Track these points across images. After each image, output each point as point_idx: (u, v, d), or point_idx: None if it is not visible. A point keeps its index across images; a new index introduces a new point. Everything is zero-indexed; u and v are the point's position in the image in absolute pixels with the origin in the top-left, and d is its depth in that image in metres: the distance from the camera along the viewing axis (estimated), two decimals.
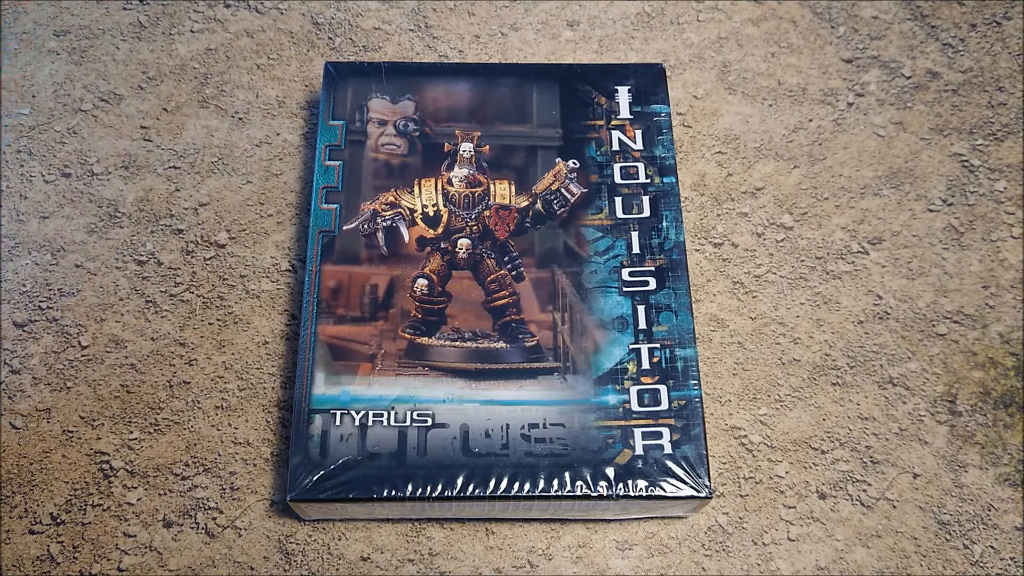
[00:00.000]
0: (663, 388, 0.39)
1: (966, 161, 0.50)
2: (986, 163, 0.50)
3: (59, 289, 0.45)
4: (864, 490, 0.42)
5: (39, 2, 0.53)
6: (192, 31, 0.52)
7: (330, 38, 0.52)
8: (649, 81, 0.46)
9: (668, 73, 0.51)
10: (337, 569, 0.40)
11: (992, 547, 0.41)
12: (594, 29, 0.53)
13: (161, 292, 0.45)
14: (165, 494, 0.41)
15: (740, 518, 0.42)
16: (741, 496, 0.42)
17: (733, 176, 0.49)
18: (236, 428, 0.42)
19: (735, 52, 0.52)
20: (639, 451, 0.38)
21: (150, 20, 0.52)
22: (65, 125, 0.49)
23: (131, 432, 0.42)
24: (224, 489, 0.41)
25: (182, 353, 0.44)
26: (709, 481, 0.38)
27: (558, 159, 0.44)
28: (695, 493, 0.37)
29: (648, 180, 0.44)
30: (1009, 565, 0.41)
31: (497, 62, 0.51)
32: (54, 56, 0.51)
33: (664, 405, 0.39)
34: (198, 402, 0.43)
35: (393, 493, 0.37)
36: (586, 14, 0.53)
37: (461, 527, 0.41)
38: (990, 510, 0.42)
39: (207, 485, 0.41)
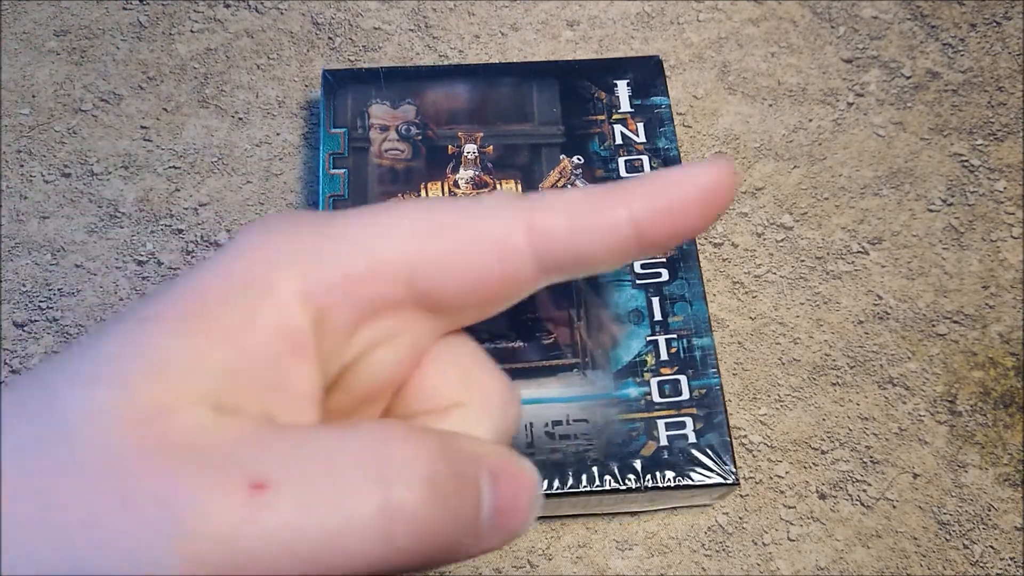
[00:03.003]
0: (683, 378, 0.40)
1: (966, 161, 0.50)
2: (986, 163, 0.50)
3: (59, 289, 0.45)
4: (864, 490, 0.42)
5: (39, 2, 0.53)
6: (192, 31, 0.52)
7: (330, 38, 0.52)
8: (647, 74, 0.46)
9: (668, 73, 0.51)
10: None
11: (992, 547, 0.41)
12: (594, 29, 0.53)
13: None
14: None
15: (740, 518, 0.42)
16: (741, 496, 0.42)
17: None
18: None
19: (735, 52, 0.52)
20: (663, 442, 0.38)
21: (150, 20, 0.52)
22: (65, 125, 0.49)
23: None
24: None
25: None
26: (735, 468, 0.38)
27: (562, 156, 0.44)
28: (723, 480, 0.37)
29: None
30: (1009, 565, 0.41)
31: (495, 62, 0.51)
32: (54, 56, 0.51)
33: (685, 395, 0.39)
34: None
35: None
36: (586, 14, 0.53)
37: None
38: (990, 510, 0.42)
39: None
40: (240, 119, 0.50)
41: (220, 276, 0.20)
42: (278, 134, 0.49)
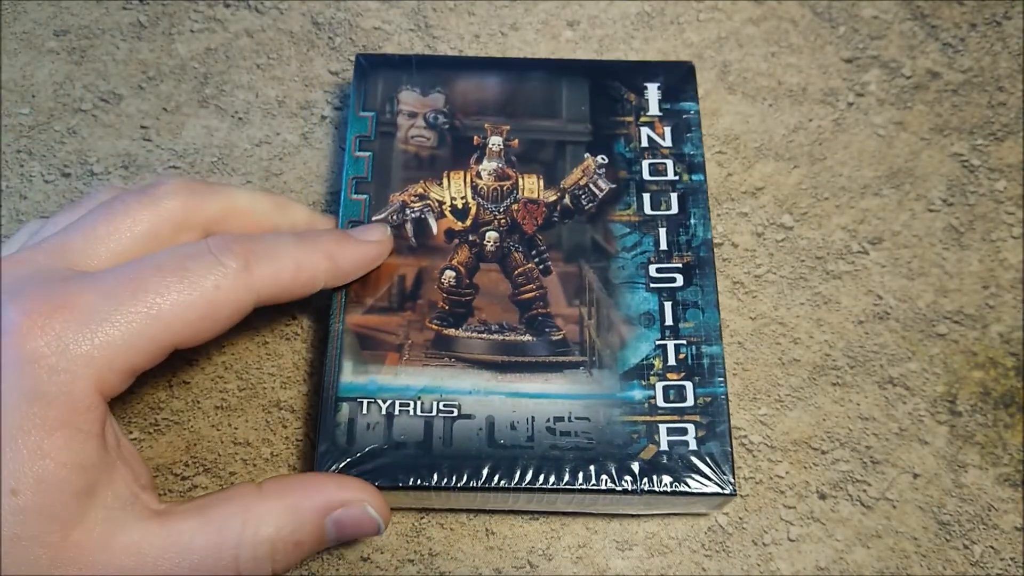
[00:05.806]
0: (689, 384, 0.39)
1: (966, 161, 0.50)
2: (986, 163, 0.50)
3: None
4: (864, 490, 0.42)
5: (39, 2, 0.53)
6: (192, 31, 0.52)
7: (330, 38, 0.52)
8: (679, 78, 0.46)
9: None
10: (337, 569, 0.40)
11: (992, 547, 0.41)
12: (594, 29, 0.53)
13: None
14: (165, 494, 0.41)
15: (740, 518, 0.42)
16: (741, 496, 0.42)
17: (733, 176, 0.49)
18: (236, 428, 0.42)
19: (735, 52, 0.52)
20: (664, 447, 0.38)
21: (150, 20, 0.52)
22: (65, 125, 0.49)
23: (131, 432, 0.42)
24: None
25: (181, 352, 0.44)
26: (734, 478, 0.38)
27: (586, 154, 0.44)
28: (720, 490, 0.37)
29: (676, 177, 0.44)
30: (1009, 565, 0.41)
31: (527, 57, 0.51)
32: (54, 56, 0.51)
33: (690, 402, 0.39)
34: (198, 402, 0.43)
35: (419, 482, 0.37)
36: (586, 14, 0.53)
37: (461, 527, 0.41)
38: (990, 510, 0.42)
39: (207, 485, 0.41)
40: (240, 119, 0.50)
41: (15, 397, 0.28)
42: (278, 134, 0.49)
